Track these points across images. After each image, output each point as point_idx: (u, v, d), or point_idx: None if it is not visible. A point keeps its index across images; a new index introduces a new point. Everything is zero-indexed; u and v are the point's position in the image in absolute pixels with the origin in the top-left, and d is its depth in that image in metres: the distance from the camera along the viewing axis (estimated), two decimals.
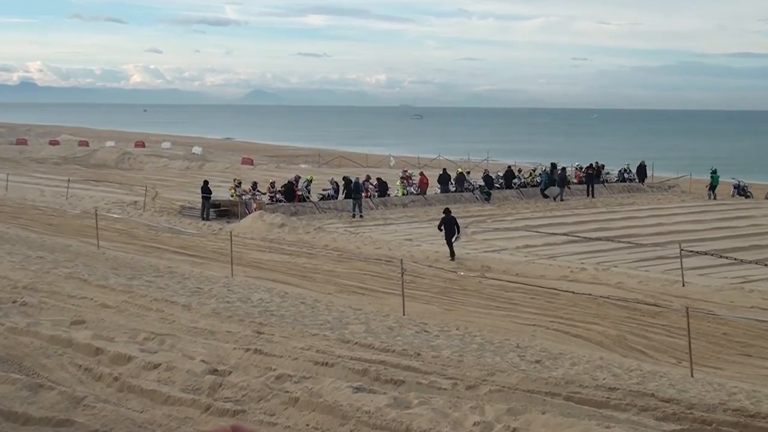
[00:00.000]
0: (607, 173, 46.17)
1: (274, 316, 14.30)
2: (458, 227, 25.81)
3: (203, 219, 31.96)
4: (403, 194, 38.26)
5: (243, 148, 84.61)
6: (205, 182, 33.75)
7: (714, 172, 43.62)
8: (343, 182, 36.88)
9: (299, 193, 35.17)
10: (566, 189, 40.95)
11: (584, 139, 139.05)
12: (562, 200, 39.95)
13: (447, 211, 26.62)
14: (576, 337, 15.96)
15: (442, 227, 25.74)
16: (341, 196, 36.35)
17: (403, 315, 16.17)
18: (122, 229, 28.18)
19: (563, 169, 42.71)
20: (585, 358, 13.17)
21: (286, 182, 35.71)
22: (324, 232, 29.46)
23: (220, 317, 13.55)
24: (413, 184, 39.14)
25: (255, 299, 16.02)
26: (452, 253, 25.20)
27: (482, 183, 40.29)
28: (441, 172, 40.92)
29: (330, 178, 38.86)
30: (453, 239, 25.43)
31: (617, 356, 14.51)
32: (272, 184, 35.45)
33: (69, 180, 38.81)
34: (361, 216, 33.55)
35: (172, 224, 30.07)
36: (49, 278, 15.92)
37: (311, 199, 35.40)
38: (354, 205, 34.09)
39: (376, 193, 37.27)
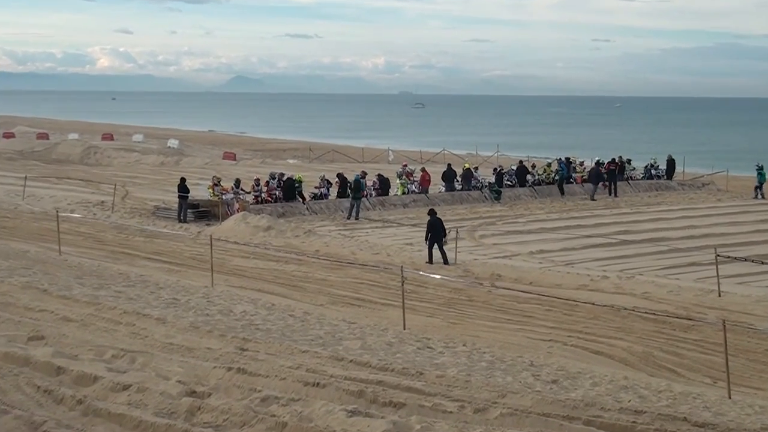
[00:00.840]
0: (632, 169, 46.28)
1: (259, 331, 14.30)
2: (445, 229, 25.93)
3: (180, 221, 31.98)
4: (404, 193, 38.24)
5: (224, 141, 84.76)
6: (182, 180, 33.77)
7: (760, 168, 43.58)
8: (337, 180, 36.88)
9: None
10: (600, 186, 41.13)
11: (606, 130, 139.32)
12: (593, 200, 40.12)
13: (432, 213, 26.75)
14: (597, 354, 15.98)
15: (430, 234, 25.77)
16: (334, 195, 36.36)
17: (404, 329, 16.18)
18: (88, 232, 28.17)
19: (597, 163, 42.85)
20: (607, 378, 13.18)
21: (286, 178, 35.74)
22: (315, 236, 29.49)
23: (199, 332, 13.54)
24: (414, 181, 39.14)
25: (238, 312, 16.02)
26: (444, 258, 25.30)
27: (492, 180, 40.34)
28: (446, 168, 40.99)
29: (321, 175, 38.87)
30: (443, 243, 25.55)
31: (644, 375, 14.53)
32: (257, 182, 35.48)
33: (26, 177, 38.79)
34: (356, 218, 33.54)
35: (145, 227, 30.06)
36: (3, 288, 15.89)
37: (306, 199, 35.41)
38: (352, 206, 33.98)
39: (374, 192, 37.22)
